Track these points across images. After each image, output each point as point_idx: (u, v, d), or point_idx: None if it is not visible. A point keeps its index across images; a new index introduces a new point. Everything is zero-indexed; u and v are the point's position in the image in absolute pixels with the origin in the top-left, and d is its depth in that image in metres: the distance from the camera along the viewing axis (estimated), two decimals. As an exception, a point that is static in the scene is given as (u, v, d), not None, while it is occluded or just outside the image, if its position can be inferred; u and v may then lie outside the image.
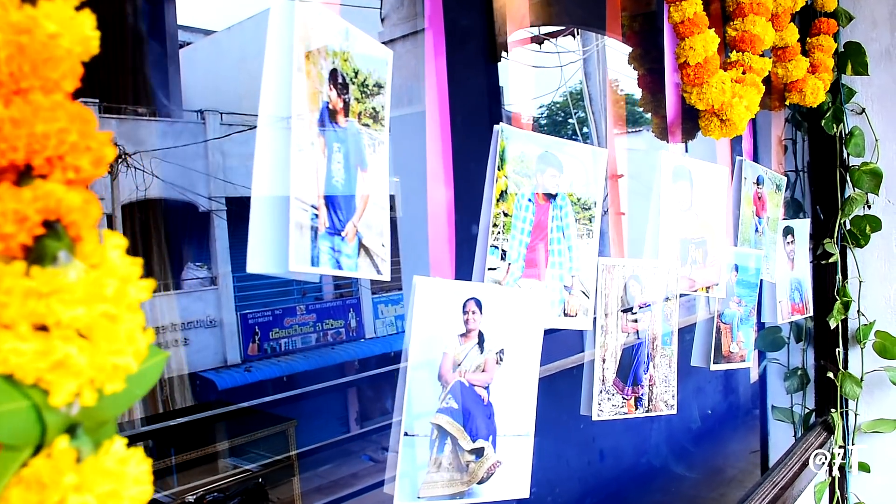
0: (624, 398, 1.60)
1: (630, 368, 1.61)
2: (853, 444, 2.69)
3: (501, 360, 1.21)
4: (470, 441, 1.16)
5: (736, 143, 2.30)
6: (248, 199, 0.83)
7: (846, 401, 2.69)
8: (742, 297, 2.12)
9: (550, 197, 1.35)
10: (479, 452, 1.17)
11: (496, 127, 1.28)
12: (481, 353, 1.18)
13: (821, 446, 2.61)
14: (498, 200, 1.27)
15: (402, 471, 1.10)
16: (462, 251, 1.28)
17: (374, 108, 1.07)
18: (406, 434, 1.10)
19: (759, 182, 2.24)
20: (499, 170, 1.27)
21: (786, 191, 2.79)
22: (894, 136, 2.64)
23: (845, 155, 2.65)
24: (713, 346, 2.00)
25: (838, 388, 2.64)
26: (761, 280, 2.29)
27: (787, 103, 2.32)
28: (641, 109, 1.88)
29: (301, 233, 0.84)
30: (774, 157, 2.60)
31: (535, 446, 1.27)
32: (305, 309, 11.48)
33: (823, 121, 2.60)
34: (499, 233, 1.27)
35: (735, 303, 2.09)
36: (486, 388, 1.19)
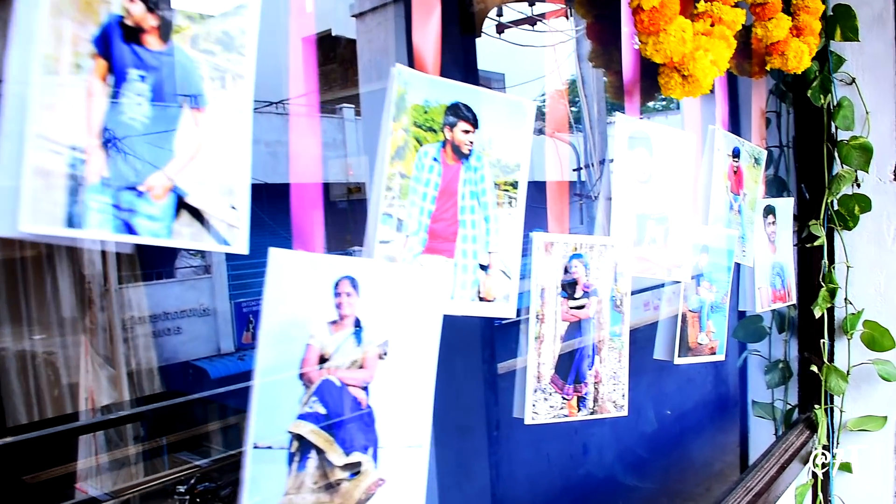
0: (564, 398, 1.37)
1: (571, 363, 1.38)
2: (838, 444, 2.48)
3: (386, 353, 0.98)
4: (342, 454, 0.93)
5: (711, 111, 2.07)
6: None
7: (831, 396, 2.46)
8: (713, 282, 1.89)
9: (462, 156, 1.12)
10: (354, 468, 0.94)
11: (393, 69, 1.05)
12: (358, 344, 0.95)
13: (803, 446, 2.39)
14: (393, 158, 1.04)
15: (251, 492, 0.87)
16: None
17: (224, 32, 0.84)
18: (256, 447, 0.87)
19: (734, 154, 2.01)
20: (394, 121, 1.04)
21: (769, 167, 2.56)
22: (886, 109, 2.41)
23: (833, 129, 2.42)
24: (678, 336, 1.77)
25: (823, 383, 2.42)
26: (737, 264, 2.06)
27: (768, 68, 2.08)
28: (592, 64, 1.65)
29: (46, 182, 0.62)
30: (756, 131, 2.36)
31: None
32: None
33: (810, 91, 2.37)
34: (393, 198, 1.04)
35: (705, 288, 1.86)
36: (365, 388, 0.96)
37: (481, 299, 1.14)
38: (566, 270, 1.36)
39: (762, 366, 2.67)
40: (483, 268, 1.14)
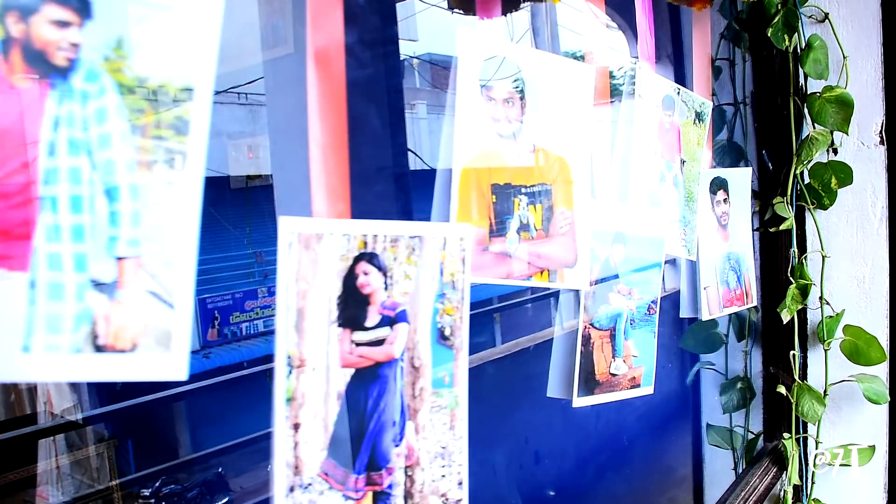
0: (349, 497, 0.81)
1: (361, 439, 0.82)
2: (813, 483, 1.94)
3: None
4: None
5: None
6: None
7: (804, 423, 1.93)
8: (633, 286, 1.34)
9: (53, 72, 0.55)
10: None
11: None
12: None
13: (769, 489, 1.86)
14: None
15: None
16: None
17: None
18: None
19: (666, 105, 1.46)
20: None
21: (721, 131, 2.02)
22: (869, 51, 1.86)
23: (801, 79, 1.87)
24: (578, 365, 1.22)
25: (793, 407, 1.88)
26: (674, 259, 1.52)
27: (711, -10, 1.54)
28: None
29: None
30: (701, 83, 1.81)
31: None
32: (267, 291, 11.18)
33: (770, 29, 1.81)
34: None
35: (621, 294, 1.31)
36: None
37: (100, 348, 0.57)
38: (348, 282, 0.79)
39: (718, 382, 2.13)
40: (102, 287, 0.57)
